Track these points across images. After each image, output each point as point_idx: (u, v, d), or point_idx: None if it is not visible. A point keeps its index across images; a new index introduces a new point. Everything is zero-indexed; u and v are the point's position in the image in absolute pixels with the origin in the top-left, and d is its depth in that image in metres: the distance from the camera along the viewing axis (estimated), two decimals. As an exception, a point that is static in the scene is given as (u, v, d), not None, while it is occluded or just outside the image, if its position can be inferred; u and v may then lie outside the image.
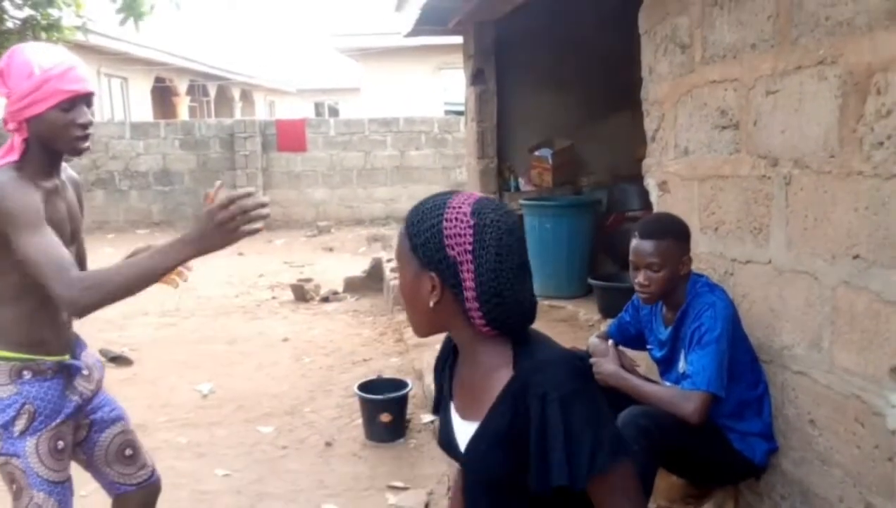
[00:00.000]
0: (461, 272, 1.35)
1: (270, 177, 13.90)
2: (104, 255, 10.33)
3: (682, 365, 2.32)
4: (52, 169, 1.96)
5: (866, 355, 1.93)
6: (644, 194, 3.60)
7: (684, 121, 2.89)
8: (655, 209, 3.14)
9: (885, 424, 1.87)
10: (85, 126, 1.90)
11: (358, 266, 9.28)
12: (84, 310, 1.78)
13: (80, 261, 2.10)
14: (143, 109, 17.96)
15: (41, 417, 1.94)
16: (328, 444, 4.20)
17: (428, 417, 4.39)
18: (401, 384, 4.39)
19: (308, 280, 8.37)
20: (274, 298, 8.15)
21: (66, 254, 1.79)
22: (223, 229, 1.78)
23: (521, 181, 6.55)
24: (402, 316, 6.61)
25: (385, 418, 4.15)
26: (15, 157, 1.86)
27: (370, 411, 4.21)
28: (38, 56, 1.84)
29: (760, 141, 2.36)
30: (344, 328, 6.85)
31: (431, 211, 1.40)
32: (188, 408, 4.75)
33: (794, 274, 2.22)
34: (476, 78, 6.44)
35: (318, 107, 27.12)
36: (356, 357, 5.85)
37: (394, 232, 12.57)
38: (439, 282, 1.38)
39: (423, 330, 1.48)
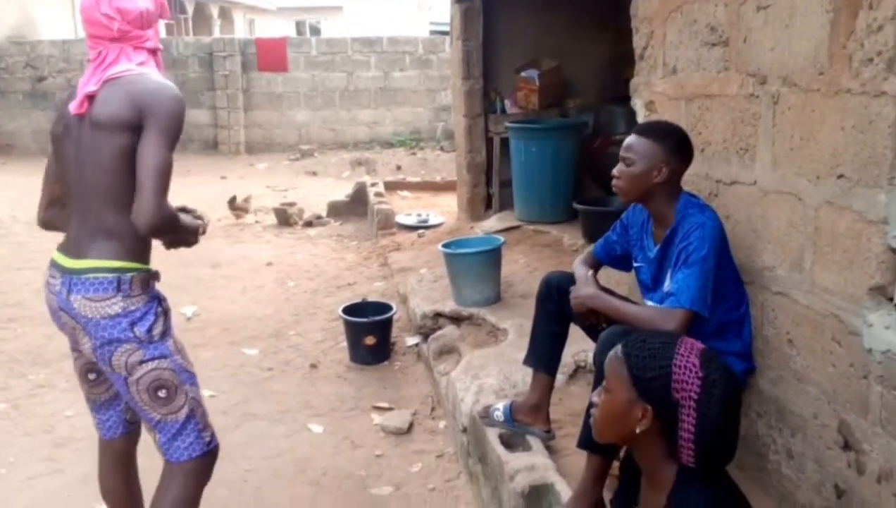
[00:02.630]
0: (681, 414, 1.51)
1: (251, 98, 13.63)
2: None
3: (667, 284, 2.32)
4: None
5: (846, 275, 1.94)
6: (631, 116, 3.55)
7: (673, 38, 2.82)
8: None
9: (861, 343, 1.89)
10: None
11: (341, 190, 9.22)
12: (147, 231, 1.92)
13: None
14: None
15: (170, 316, 2.09)
16: (313, 366, 4.25)
17: (412, 340, 4.43)
18: (385, 308, 4.41)
19: (291, 204, 8.32)
20: (257, 222, 8.10)
21: (170, 181, 1.92)
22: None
23: (507, 103, 6.44)
24: (386, 240, 6.61)
25: (369, 340, 4.18)
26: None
27: (355, 334, 4.25)
28: None
29: (750, 58, 2.31)
30: (328, 253, 6.84)
31: (661, 352, 1.55)
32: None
33: (779, 195, 2.21)
34: (461, -5, 6.25)
35: (299, 26, 26.39)
36: (340, 281, 5.87)
37: (378, 156, 12.46)
38: (652, 415, 1.53)
39: (608, 439, 1.67)
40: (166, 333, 2.03)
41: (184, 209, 2.18)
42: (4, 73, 13.27)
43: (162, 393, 2.00)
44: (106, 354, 1.97)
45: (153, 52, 2.06)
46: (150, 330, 1.98)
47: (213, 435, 2.13)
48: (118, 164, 1.91)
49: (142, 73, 1.97)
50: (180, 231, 2.06)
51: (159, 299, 2.05)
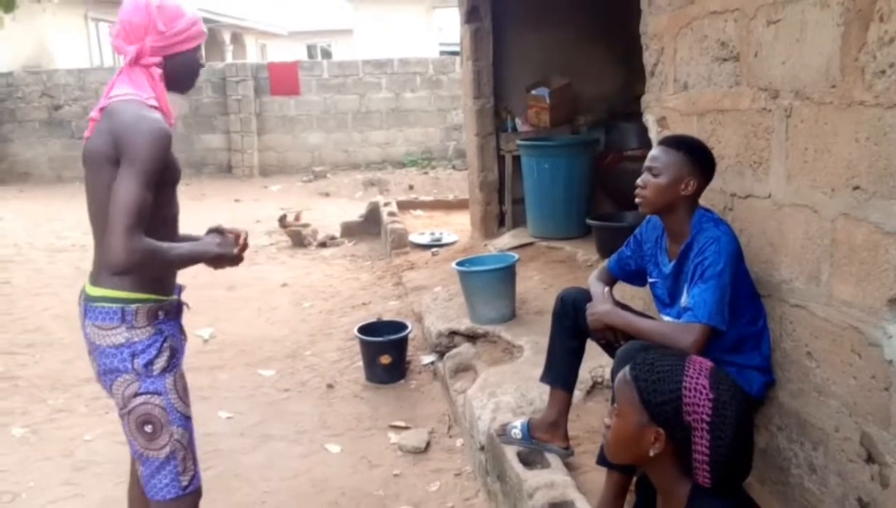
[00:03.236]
0: (694, 436, 1.50)
1: (264, 122, 13.75)
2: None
3: (684, 299, 2.31)
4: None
5: (864, 286, 1.93)
6: (642, 131, 3.56)
7: (684, 54, 2.83)
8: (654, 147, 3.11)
9: (881, 354, 1.88)
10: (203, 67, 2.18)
11: (355, 211, 9.26)
12: (121, 269, 1.85)
13: (175, 212, 2.17)
14: (132, 54, 17.59)
15: (178, 354, 2.05)
16: (330, 386, 4.25)
17: (428, 358, 4.43)
18: (400, 327, 4.42)
19: (305, 225, 8.35)
20: (272, 244, 8.15)
21: (146, 216, 1.85)
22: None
23: (519, 122, 6.47)
24: (400, 260, 6.63)
25: (385, 359, 4.19)
26: (153, 94, 1.98)
27: (370, 353, 4.25)
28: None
29: (761, 73, 2.32)
30: (342, 273, 6.87)
31: (670, 376, 1.53)
32: (189, 353, 4.69)
33: (794, 207, 2.20)
34: (471, 15, 6.30)
35: (310, 49, 26.64)
36: (355, 301, 5.88)
37: (390, 176, 12.51)
38: (665, 438, 1.52)
39: (621, 461, 1.69)
40: (168, 370, 2.00)
41: (218, 230, 2.17)
42: (21, 102, 13.46)
43: (147, 428, 1.98)
44: (107, 382, 1.99)
45: (142, 67, 1.99)
46: (148, 364, 1.96)
47: (192, 480, 2.07)
48: (109, 197, 1.87)
49: (127, 100, 1.92)
50: (171, 265, 1.99)
51: (165, 336, 2.00)
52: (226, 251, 2.09)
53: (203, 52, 2.12)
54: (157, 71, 2.01)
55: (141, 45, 1.98)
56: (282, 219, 8.21)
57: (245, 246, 2.15)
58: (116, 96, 1.94)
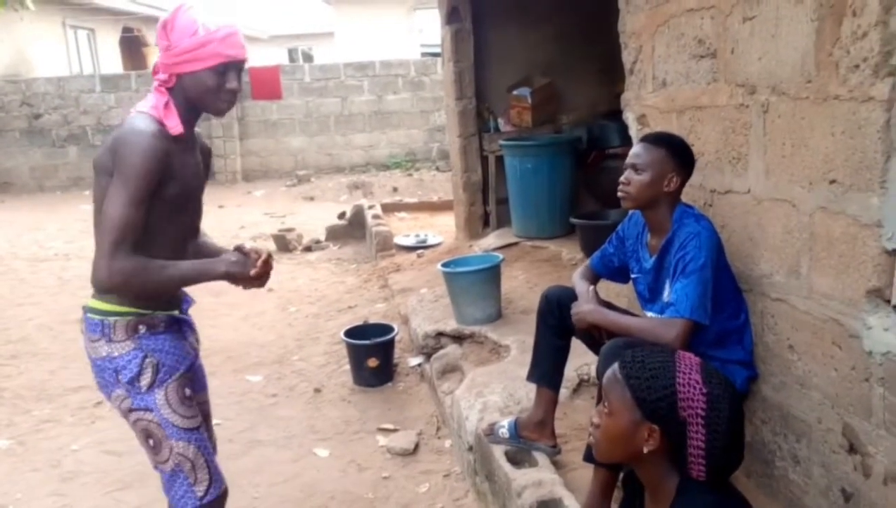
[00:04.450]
0: (689, 431, 1.51)
1: (246, 127, 13.69)
2: (82, 212, 10.23)
3: (666, 295, 2.33)
4: (188, 125, 1.99)
5: (843, 279, 1.95)
6: (624, 130, 3.58)
7: (662, 52, 2.86)
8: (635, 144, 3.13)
9: (861, 346, 1.90)
10: (233, 92, 1.99)
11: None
12: (104, 287, 1.86)
13: (195, 224, 2.15)
14: (112, 60, 17.51)
15: (165, 368, 1.98)
16: (317, 390, 4.25)
17: (415, 360, 4.43)
18: (387, 329, 4.42)
19: (290, 230, 8.34)
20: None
21: (136, 233, 1.83)
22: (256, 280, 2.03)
23: (501, 122, 6.48)
24: (385, 262, 6.62)
25: (372, 363, 4.18)
26: (161, 111, 1.91)
27: (357, 356, 4.25)
28: (203, 17, 1.94)
29: (738, 69, 2.34)
30: (328, 277, 6.85)
31: (662, 372, 1.54)
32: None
33: (773, 202, 2.23)
34: (451, 16, 6.31)
35: (291, 53, 26.57)
36: (341, 305, 5.87)
37: (374, 179, 12.50)
38: (660, 434, 1.52)
39: (612, 460, 1.71)
40: (156, 384, 1.95)
41: (239, 249, 2.07)
42: (0, 111, 13.34)
43: (150, 441, 1.99)
44: (105, 394, 2.00)
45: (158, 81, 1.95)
46: (133, 381, 1.93)
47: (208, 489, 2.02)
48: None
49: (137, 114, 1.91)
50: (165, 285, 1.92)
51: (146, 352, 1.94)
52: (235, 271, 1.97)
53: (230, 74, 1.99)
54: (163, 88, 1.94)
55: (157, 61, 1.97)
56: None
57: (265, 267, 2.01)
58: (134, 110, 1.93)
